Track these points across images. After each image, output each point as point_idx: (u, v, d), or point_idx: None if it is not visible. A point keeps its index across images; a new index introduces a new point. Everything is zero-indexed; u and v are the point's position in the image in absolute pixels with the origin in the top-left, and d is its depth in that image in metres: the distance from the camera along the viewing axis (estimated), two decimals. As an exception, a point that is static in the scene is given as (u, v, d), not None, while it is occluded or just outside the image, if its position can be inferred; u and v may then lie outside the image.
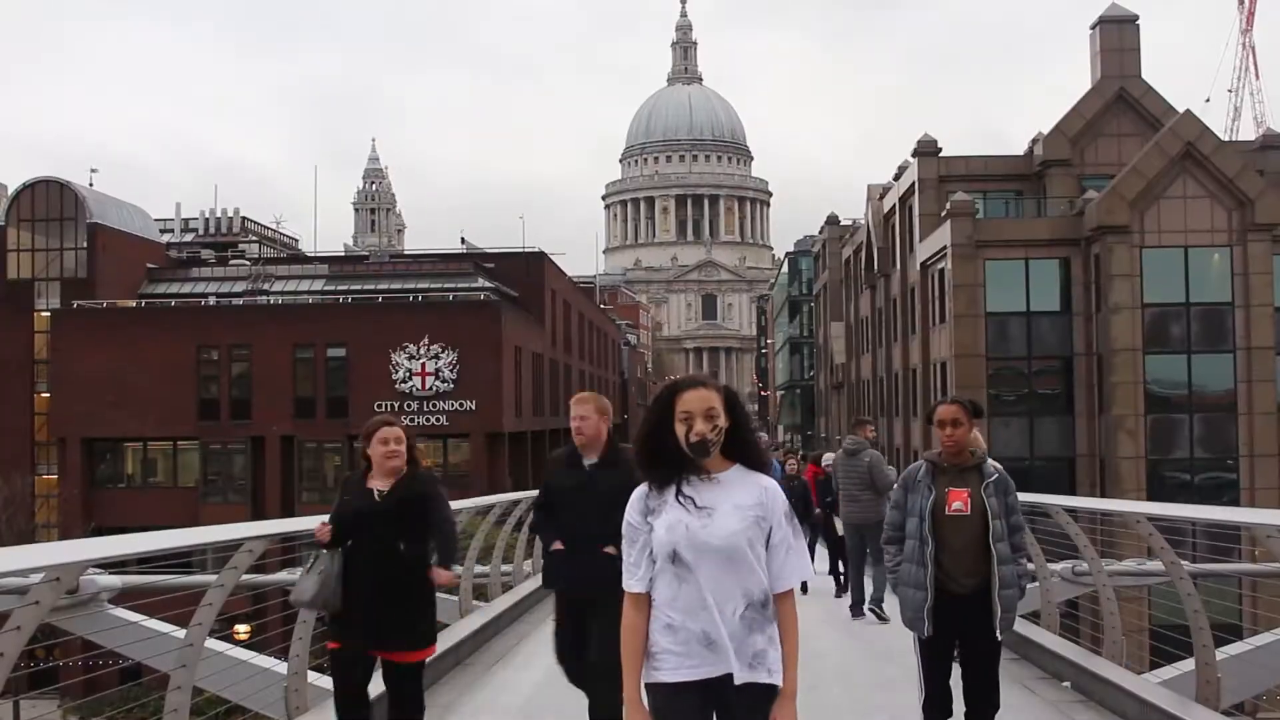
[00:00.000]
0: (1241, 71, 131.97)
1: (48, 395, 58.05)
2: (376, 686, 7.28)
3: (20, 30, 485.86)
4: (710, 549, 4.18)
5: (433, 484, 7.35)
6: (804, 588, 17.05)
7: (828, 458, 19.72)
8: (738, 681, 4.15)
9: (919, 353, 52.02)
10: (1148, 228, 42.99)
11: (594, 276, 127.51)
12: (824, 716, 9.24)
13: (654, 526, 4.26)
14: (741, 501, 4.27)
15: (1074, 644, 11.18)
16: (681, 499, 4.24)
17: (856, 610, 15.51)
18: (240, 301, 60.92)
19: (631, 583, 4.30)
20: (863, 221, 68.13)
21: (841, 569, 18.25)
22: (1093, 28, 49.46)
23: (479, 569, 14.95)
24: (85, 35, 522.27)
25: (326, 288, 63.85)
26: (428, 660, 7.50)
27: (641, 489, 4.38)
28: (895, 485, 7.38)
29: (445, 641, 11.60)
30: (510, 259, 68.26)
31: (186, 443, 56.18)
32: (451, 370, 54.43)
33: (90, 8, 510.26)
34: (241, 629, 22.86)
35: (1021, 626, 11.22)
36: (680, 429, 4.29)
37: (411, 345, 54.42)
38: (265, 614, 27.87)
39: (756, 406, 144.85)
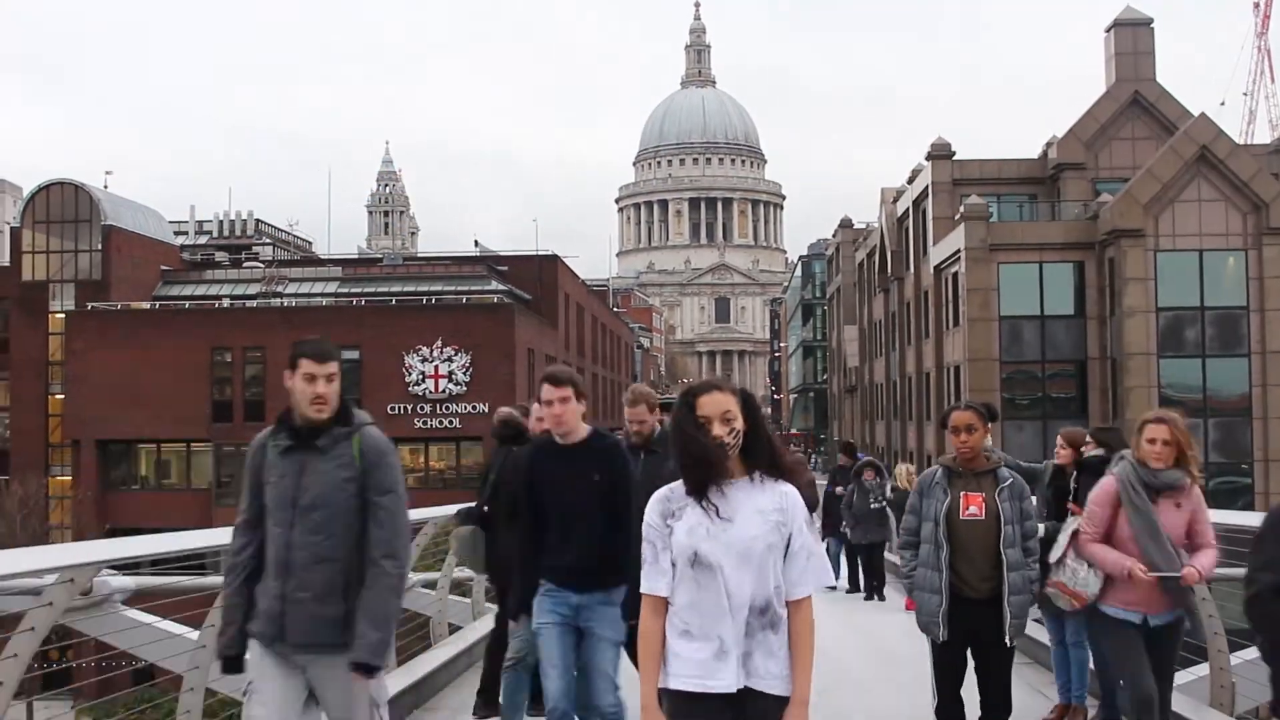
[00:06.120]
0: (1257, 75, 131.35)
1: (62, 397, 58.17)
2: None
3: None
4: (731, 553, 4.16)
5: None
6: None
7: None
8: (750, 687, 4.14)
9: (932, 356, 51.93)
10: (1162, 231, 42.87)
11: (607, 279, 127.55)
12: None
13: (674, 529, 4.24)
14: (762, 506, 4.23)
15: (1088, 649, 11.12)
16: (704, 503, 4.22)
17: None
18: (254, 304, 61.02)
19: (653, 585, 4.27)
20: (876, 225, 68.06)
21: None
22: (1107, 31, 49.37)
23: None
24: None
25: (340, 290, 63.94)
26: (441, 662, 7.48)
27: (662, 491, 4.35)
28: (911, 490, 7.37)
29: (458, 644, 11.62)
30: (523, 262, 68.30)
31: (200, 445, 56.32)
32: (465, 373, 54.46)
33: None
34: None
35: (1035, 630, 11.19)
36: None
37: (425, 348, 54.46)
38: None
39: (770, 410, 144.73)
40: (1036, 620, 10.80)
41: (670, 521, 4.24)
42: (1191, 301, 43.17)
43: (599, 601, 6.55)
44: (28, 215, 61.98)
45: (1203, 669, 8.83)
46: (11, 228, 63.33)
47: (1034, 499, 7.65)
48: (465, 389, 54.40)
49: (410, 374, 54.52)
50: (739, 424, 4.24)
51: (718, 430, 4.21)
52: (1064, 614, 8.83)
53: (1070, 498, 8.90)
